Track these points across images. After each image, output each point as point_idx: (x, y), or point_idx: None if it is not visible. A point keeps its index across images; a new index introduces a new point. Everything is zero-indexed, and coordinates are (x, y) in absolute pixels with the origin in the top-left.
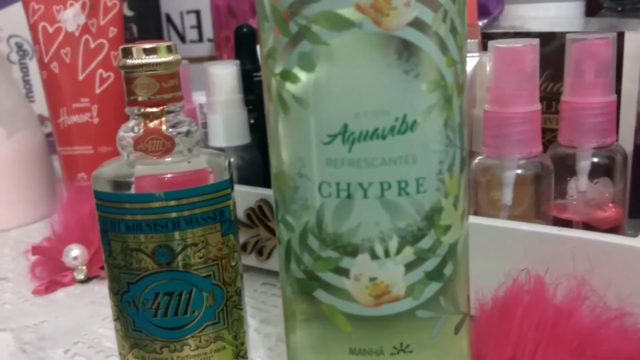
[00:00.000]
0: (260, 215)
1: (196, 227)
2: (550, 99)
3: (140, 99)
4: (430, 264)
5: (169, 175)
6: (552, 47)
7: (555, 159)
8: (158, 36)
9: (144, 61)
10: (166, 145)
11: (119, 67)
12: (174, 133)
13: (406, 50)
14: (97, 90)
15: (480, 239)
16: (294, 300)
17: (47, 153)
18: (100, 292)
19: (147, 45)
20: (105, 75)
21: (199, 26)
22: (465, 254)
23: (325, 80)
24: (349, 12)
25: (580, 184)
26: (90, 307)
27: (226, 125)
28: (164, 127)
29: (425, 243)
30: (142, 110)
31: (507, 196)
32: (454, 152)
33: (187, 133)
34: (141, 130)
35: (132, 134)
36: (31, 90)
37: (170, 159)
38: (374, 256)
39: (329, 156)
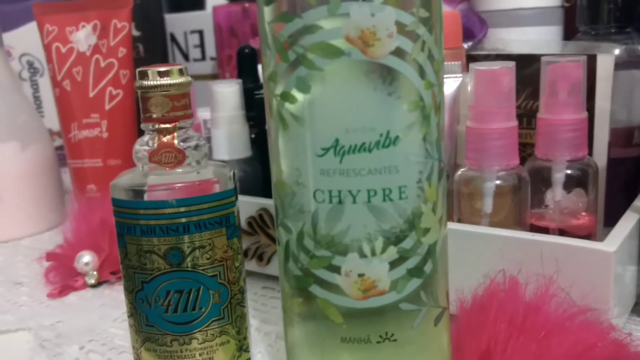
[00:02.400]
0: (261, 223)
1: (204, 231)
2: (530, 116)
3: (154, 116)
4: (411, 262)
5: (180, 184)
6: (532, 68)
7: (533, 171)
8: (163, 54)
9: (158, 82)
10: (178, 158)
11: (136, 87)
12: (185, 147)
13: (389, 75)
14: (107, 107)
15: (462, 244)
16: (291, 295)
17: (57, 165)
18: (110, 295)
19: (162, 69)
20: (114, 92)
21: (202, 45)
22: (444, 254)
23: (319, 101)
24: (339, 43)
25: (555, 194)
26: (101, 309)
27: (229, 139)
28: (175, 142)
29: (407, 243)
30: (157, 126)
31: (488, 205)
32: (432, 164)
33: (196, 147)
34: (155, 144)
35: (146, 148)
36: (41, 106)
37: (181, 170)
38: (362, 255)
39: (322, 167)
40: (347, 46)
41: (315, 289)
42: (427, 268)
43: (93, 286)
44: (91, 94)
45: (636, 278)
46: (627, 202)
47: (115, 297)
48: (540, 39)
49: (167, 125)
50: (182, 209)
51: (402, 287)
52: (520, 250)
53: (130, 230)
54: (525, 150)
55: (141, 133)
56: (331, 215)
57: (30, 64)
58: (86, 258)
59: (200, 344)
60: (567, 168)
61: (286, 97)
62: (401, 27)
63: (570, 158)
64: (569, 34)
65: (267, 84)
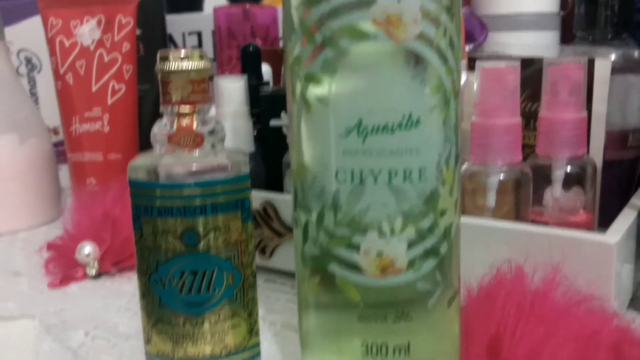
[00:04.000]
0: (265, 216)
1: (220, 214)
2: (529, 118)
3: (174, 99)
4: (428, 242)
5: (197, 167)
6: (530, 70)
7: (534, 168)
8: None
9: (179, 66)
10: (196, 141)
11: (156, 71)
12: (203, 130)
13: (413, 59)
14: (109, 101)
15: (468, 236)
16: (309, 276)
17: (55, 161)
18: (111, 286)
19: (182, 53)
20: (117, 87)
21: (200, 47)
22: (457, 237)
23: (344, 82)
24: (366, 26)
25: (555, 191)
26: (103, 300)
27: (234, 134)
28: (194, 125)
29: (425, 224)
30: (176, 109)
31: (491, 200)
32: (450, 148)
33: (214, 131)
34: (174, 127)
35: (165, 130)
36: (37, 102)
37: (198, 152)
38: (381, 234)
39: (345, 147)
40: (373, 30)
41: (333, 268)
42: (443, 249)
43: (94, 277)
44: (94, 88)
45: (632, 274)
46: (622, 204)
47: (116, 287)
48: (538, 43)
49: (187, 109)
50: (200, 191)
51: (419, 266)
52: (525, 241)
53: (147, 211)
54: (525, 151)
55: (142, 128)
56: (352, 195)
57: (28, 60)
58: (87, 249)
59: (212, 325)
60: (567, 165)
61: (311, 79)
62: (425, 13)
63: (570, 156)
64: (566, 40)
65: (291, 69)
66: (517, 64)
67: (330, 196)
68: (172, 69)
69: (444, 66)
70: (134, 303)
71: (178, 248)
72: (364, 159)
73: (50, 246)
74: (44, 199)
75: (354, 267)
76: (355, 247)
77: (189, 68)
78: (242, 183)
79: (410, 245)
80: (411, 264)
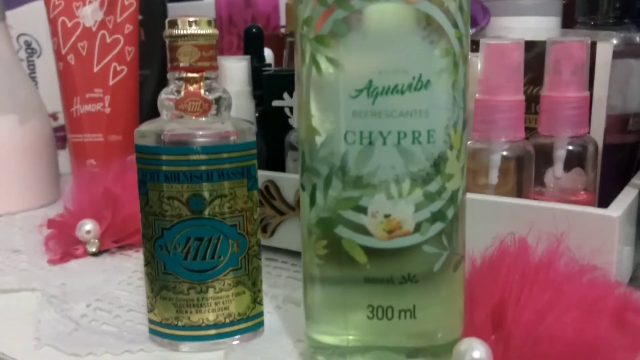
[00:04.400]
0: (267, 194)
1: (226, 180)
2: (530, 101)
3: (182, 65)
4: (436, 206)
5: (204, 132)
6: (532, 54)
7: (535, 147)
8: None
9: (188, 31)
10: (203, 107)
11: (165, 36)
12: (211, 97)
13: (424, 20)
14: (111, 82)
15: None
16: (315, 239)
17: (54, 144)
18: (111, 263)
19: (191, 18)
20: (119, 68)
21: None
22: (463, 202)
23: (355, 43)
24: None
25: (556, 171)
26: (104, 274)
27: (236, 114)
28: (202, 91)
29: (433, 187)
30: (184, 75)
31: (493, 177)
32: (458, 112)
33: (221, 98)
34: (182, 93)
35: (172, 96)
36: (37, 87)
37: (205, 119)
38: (389, 196)
39: (355, 108)
40: None
41: (340, 230)
42: (449, 213)
43: (94, 254)
44: (95, 69)
45: (632, 254)
46: (621, 187)
47: (117, 264)
48: (540, 27)
49: (195, 75)
50: (207, 157)
51: (426, 229)
52: (530, 216)
53: (154, 177)
54: (526, 134)
55: (142, 113)
56: (361, 157)
57: (28, 44)
58: (88, 226)
59: (217, 292)
60: (569, 144)
61: (321, 40)
62: None
63: (572, 135)
64: (567, 26)
65: (301, 30)
66: (522, 40)
67: (338, 158)
68: (181, 33)
69: (454, 29)
70: (135, 278)
71: (184, 214)
72: (373, 120)
73: (50, 223)
74: (43, 180)
75: (361, 229)
76: (363, 209)
77: (197, 33)
78: (248, 151)
79: (418, 208)
80: (418, 226)
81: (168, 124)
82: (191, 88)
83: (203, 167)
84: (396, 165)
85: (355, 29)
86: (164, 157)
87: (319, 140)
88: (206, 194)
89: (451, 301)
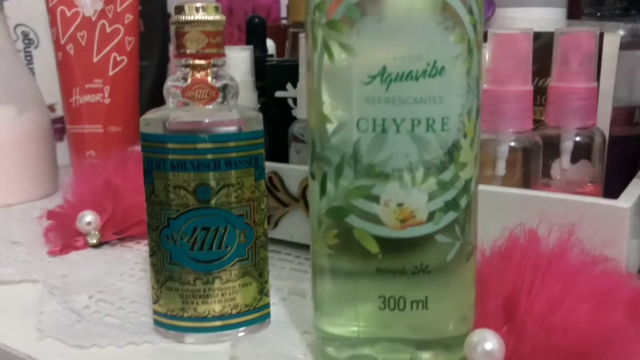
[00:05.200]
0: (270, 186)
1: (234, 169)
2: (537, 93)
3: (189, 51)
4: (449, 195)
5: (211, 120)
6: (537, 45)
7: (542, 138)
8: (164, 30)
9: (195, 17)
10: (211, 94)
11: (171, 22)
12: (217, 84)
13: (440, 6)
14: (111, 73)
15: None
16: (325, 230)
17: (53, 135)
18: (112, 254)
19: (198, 4)
20: (119, 58)
21: None
22: (476, 192)
23: (368, 28)
24: None
25: (563, 162)
26: (105, 266)
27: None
28: (209, 78)
29: (446, 175)
30: (191, 62)
31: (501, 168)
32: (472, 99)
33: (228, 86)
34: (189, 80)
35: (179, 83)
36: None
37: (211, 106)
38: (402, 184)
39: (368, 95)
40: None
41: (352, 220)
42: (463, 203)
43: (94, 246)
44: (95, 59)
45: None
46: (627, 181)
47: (118, 255)
48: (545, 18)
49: (202, 62)
50: (215, 145)
51: (439, 219)
52: (541, 207)
53: (160, 166)
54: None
55: (142, 102)
56: (374, 144)
57: (25, 35)
58: (88, 217)
59: (223, 283)
60: (577, 136)
61: (334, 25)
62: None
63: (579, 126)
64: (573, 15)
65: (312, 15)
66: (531, 30)
67: (350, 146)
68: (188, 19)
69: (469, 15)
70: (137, 270)
71: (190, 203)
72: (386, 107)
73: (50, 214)
74: (41, 172)
75: (373, 219)
76: (375, 198)
77: (205, 19)
78: (255, 139)
79: (431, 196)
80: (431, 216)
81: (174, 111)
82: (198, 75)
83: (210, 156)
84: (410, 153)
85: (369, 13)
86: (170, 146)
87: (330, 127)
88: (213, 183)
89: (463, 292)
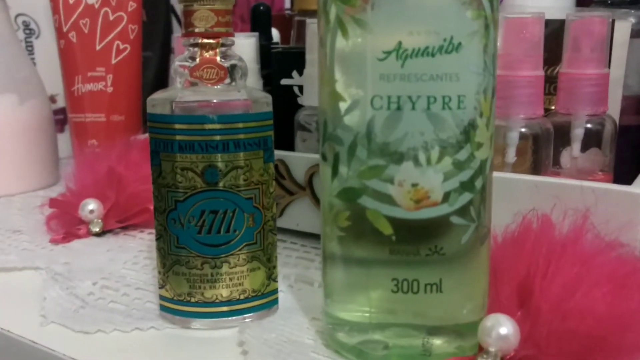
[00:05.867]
0: (276, 174)
1: (242, 151)
2: (545, 82)
3: (197, 30)
4: (464, 175)
5: (219, 100)
6: (547, 32)
7: (553, 125)
8: (166, 20)
9: None
10: (219, 75)
11: (180, 0)
12: (227, 64)
13: None
14: (113, 61)
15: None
16: (337, 213)
17: (54, 125)
18: (116, 242)
19: None
20: (122, 46)
21: None
22: (491, 173)
23: (384, 2)
24: None
25: (574, 150)
26: (109, 254)
27: None
28: (218, 58)
29: (462, 155)
30: (199, 40)
31: (511, 155)
32: (488, 77)
33: (237, 66)
34: (197, 60)
35: (187, 63)
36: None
37: (221, 87)
38: (417, 164)
39: (382, 71)
40: None
41: (365, 201)
42: (478, 184)
43: (97, 235)
44: (98, 47)
45: None
46: (636, 168)
47: (121, 244)
48: (555, 6)
49: (211, 41)
50: (223, 126)
51: (454, 200)
52: (552, 193)
53: (167, 147)
54: None
55: (145, 91)
56: (388, 122)
57: (26, 25)
58: (91, 206)
59: (231, 268)
60: (587, 123)
61: (347, 0)
62: None
63: (590, 113)
64: (582, 4)
65: None
66: (543, 14)
67: (364, 125)
68: None
69: None
70: (141, 257)
71: (198, 185)
72: (402, 84)
73: (52, 202)
74: (42, 162)
75: (387, 199)
76: (389, 178)
77: None
78: (264, 121)
79: (447, 177)
80: (446, 196)
81: (182, 91)
82: (207, 54)
83: (218, 137)
84: (425, 131)
85: None
86: (178, 126)
87: (343, 106)
88: (222, 165)
89: (478, 276)
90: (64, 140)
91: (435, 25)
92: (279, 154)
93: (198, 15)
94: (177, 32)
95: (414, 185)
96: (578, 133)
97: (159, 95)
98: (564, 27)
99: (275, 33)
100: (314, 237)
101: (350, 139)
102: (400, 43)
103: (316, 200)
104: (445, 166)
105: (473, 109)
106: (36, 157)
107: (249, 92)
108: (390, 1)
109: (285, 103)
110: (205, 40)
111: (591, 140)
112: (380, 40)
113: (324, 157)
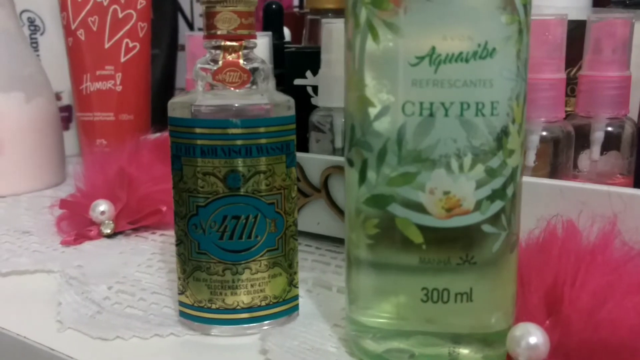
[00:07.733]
0: None
1: (265, 156)
2: None
3: (220, 32)
4: (496, 183)
5: (241, 105)
6: None
7: (573, 128)
8: (173, 18)
9: None
10: (242, 78)
11: (201, 2)
12: (250, 67)
13: None
14: (122, 59)
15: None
16: (365, 218)
17: (60, 123)
18: (128, 244)
19: None
20: (131, 44)
21: None
22: (521, 181)
23: (417, 6)
24: None
25: (593, 153)
26: (122, 256)
27: None
28: (241, 61)
29: (494, 162)
30: (222, 43)
31: (530, 159)
32: (520, 83)
33: (259, 69)
34: (220, 62)
35: (209, 66)
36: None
37: (244, 90)
38: (450, 171)
39: (415, 77)
40: None
41: (394, 208)
42: (509, 191)
43: (108, 236)
44: (107, 45)
45: None
46: None
47: (134, 245)
48: (571, 6)
49: (234, 43)
50: (246, 130)
51: (486, 208)
52: (581, 198)
53: (189, 151)
54: None
55: (152, 90)
56: (420, 129)
57: (31, 21)
58: (102, 207)
59: (253, 274)
60: (608, 126)
61: (379, 4)
62: None
63: (611, 116)
64: (599, 5)
65: None
66: (565, 15)
67: (395, 131)
68: None
69: None
70: (155, 260)
71: (220, 190)
72: (435, 90)
73: (62, 203)
74: (49, 161)
75: (418, 207)
76: (420, 186)
77: None
78: (287, 125)
79: (479, 184)
80: (478, 204)
81: (204, 95)
82: (229, 57)
83: (240, 142)
84: (458, 138)
85: None
86: (199, 131)
87: (372, 111)
88: (244, 170)
89: (507, 284)
90: (70, 138)
91: (470, 30)
92: None
93: (221, 17)
94: (184, 29)
95: (446, 193)
96: (598, 136)
97: (179, 98)
98: (580, 28)
99: (286, 32)
100: (329, 239)
101: (379, 145)
102: (433, 48)
103: (331, 202)
104: (478, 174)
105: (506, 115)
106: (43, 156)
107: (271, 95)
108: (424, 5)
109: (299, 103)
110: (228, 43)
111: (611, 143)
112: (412, 45)
113: (350, 163)
